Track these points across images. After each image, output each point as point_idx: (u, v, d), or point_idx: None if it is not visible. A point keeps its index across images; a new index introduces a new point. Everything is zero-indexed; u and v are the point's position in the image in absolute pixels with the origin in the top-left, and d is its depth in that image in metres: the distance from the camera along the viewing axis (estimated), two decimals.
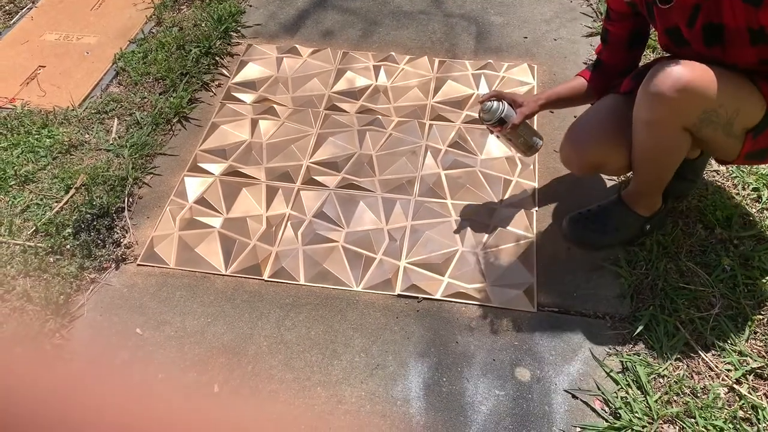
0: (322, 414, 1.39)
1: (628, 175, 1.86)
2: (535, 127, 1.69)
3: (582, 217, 1.68)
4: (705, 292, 1.56)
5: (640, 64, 1.64)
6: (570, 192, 1.84)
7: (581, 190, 1.84)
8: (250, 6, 2.61)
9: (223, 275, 1.67)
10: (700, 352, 1.46)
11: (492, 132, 1.60)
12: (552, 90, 1.64)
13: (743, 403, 1.36)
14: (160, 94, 2.17)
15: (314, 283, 1.64)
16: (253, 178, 1.91)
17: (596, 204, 1.69)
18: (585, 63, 2.25)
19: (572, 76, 1.69)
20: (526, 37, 2.41)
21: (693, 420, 1.34)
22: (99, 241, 1.73)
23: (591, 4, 2.54)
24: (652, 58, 2.20)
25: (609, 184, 1.85)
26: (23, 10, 2.62)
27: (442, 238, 1.73)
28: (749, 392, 1.38)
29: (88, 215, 1.77)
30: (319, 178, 1.90)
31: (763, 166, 1.83)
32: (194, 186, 1.89)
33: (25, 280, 1.61)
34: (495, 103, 1.54)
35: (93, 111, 2.11)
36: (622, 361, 1.45)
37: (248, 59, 2.34)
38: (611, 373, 1.43)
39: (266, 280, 1.65)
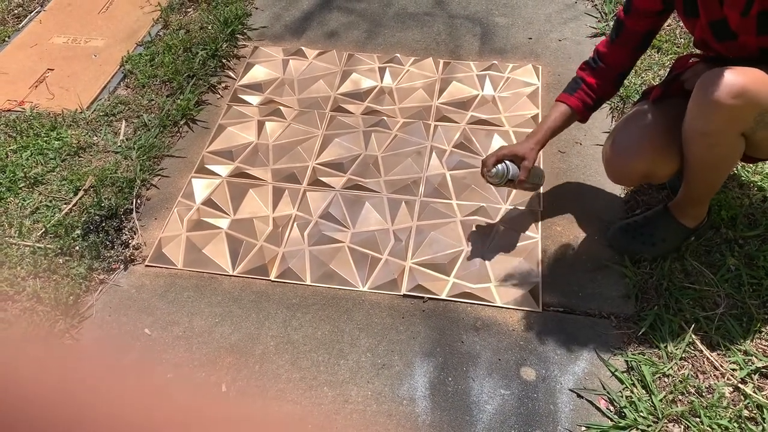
0: (328, 413, 1.40)
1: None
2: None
3: (630, 228, 1.66)
4: (710, 291, 1.56)
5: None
6: (575, 192, 1.85)
7: (586, 190, 1.85)
8: (256, 8, 2.63)
9: (231, 276, 1.68)
10: (705, 351, 1.46)
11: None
12: (544, 128, 1.62)
13: (748, 403, 1.37)
14: (167, 97, 2.19)
15: (320, 284, 1.65)
16: (260, 179, 1.93)
17: (641, 214, 1.68)
18: None
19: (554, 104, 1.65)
20: (530, 38, 2.41)
21: (698, 419, 1.34)
22: (107, 243, 1.75)
23: (596, 5, 2.54)
24: (657, 59, 2.21)
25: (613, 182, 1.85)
26: (32, 14, 2.64)
27: (448, 238, 1.74)
28: (754, 391, 1.38)
29: (97, 217, 1.79)
30: (325, 179, 1.91)
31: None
32: (201, 187, 1.91)
33: (34, 281, 1.63)
34: (500, 167, 1.58)
35: (101, 113, 2.13)
36: (627, 361, 1.46)
37: (254, 61, 2.35)
38: (616, 373, 1.44)
39: (273, 281, 1.67)
